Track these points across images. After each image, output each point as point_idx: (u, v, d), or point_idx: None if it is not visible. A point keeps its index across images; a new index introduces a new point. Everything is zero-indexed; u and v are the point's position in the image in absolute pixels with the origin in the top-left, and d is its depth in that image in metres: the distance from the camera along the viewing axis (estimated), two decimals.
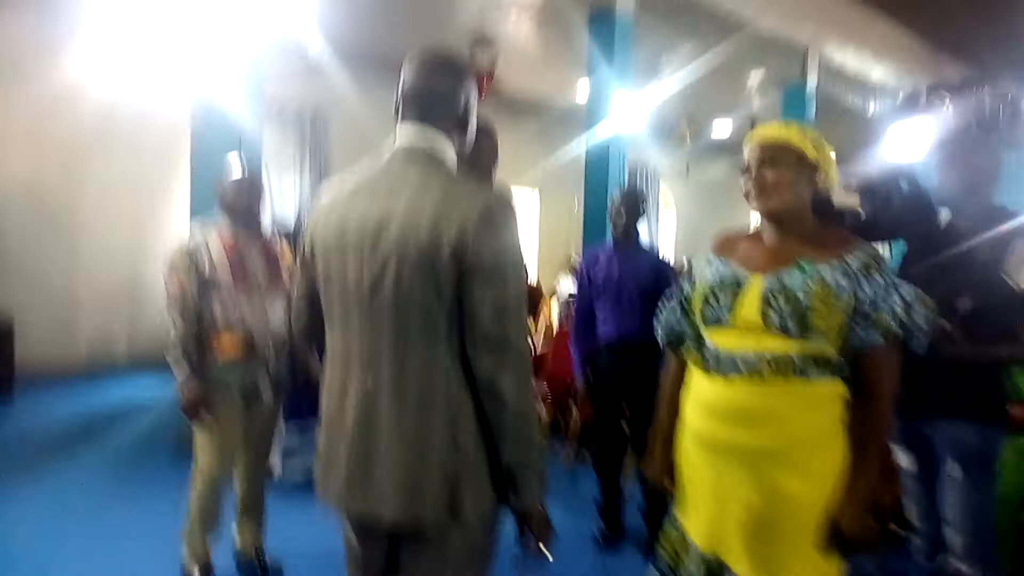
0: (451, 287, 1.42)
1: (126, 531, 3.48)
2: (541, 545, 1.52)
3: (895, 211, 2.41)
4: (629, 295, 3.49)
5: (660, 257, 3.66)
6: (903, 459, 2.41)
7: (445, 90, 1.55)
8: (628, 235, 3.56)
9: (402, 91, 1.56)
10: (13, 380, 5.88)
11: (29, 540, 3.31)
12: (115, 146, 7.13)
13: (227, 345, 2.81)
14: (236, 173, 2.93)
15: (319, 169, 8.58)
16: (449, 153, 1.56)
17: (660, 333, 2.00)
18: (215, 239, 2.85)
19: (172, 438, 4.58)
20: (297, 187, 8.48)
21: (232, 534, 3.10)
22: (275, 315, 2.92)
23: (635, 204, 3.56)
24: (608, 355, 3.54)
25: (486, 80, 7.88)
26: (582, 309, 3.66)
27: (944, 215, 2.33)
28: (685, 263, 10.21)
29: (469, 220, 1.40)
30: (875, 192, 2.50)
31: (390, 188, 1.49)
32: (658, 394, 2.02)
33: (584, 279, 3.65)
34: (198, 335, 2.78)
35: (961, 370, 2.17)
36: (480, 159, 2.73)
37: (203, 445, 2.86)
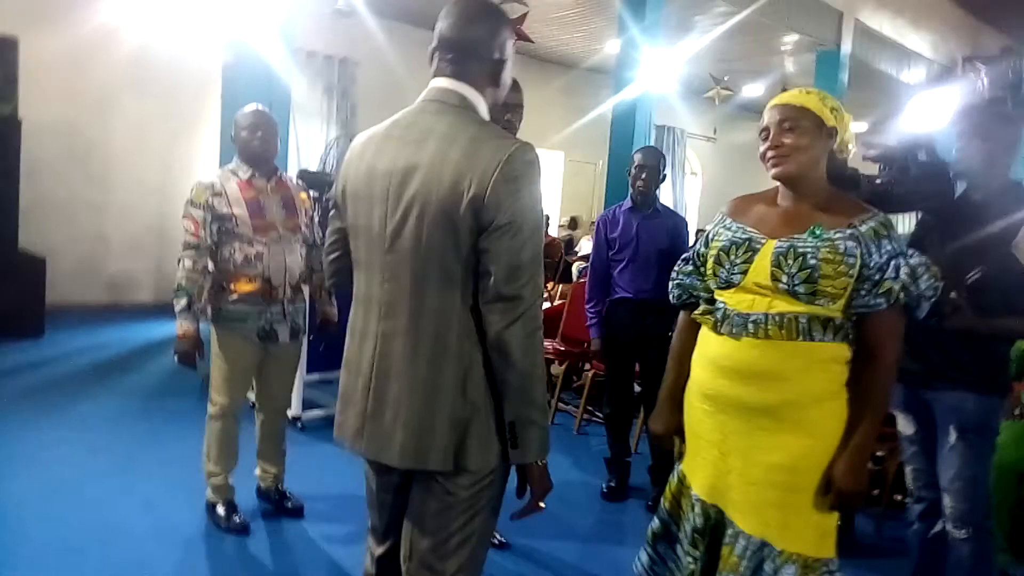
0: (468, 240, 1.42)
1: (152, 467, 3.58)
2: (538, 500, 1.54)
3: (910, 181, 2.41)
4: (646, 255, 3.52)
5: (679, 217, 3.68)
6: (904, 426, 2.45)
7: (477, 41, 1.52)
8: (646, 195, 3.58)
9: (436, 40, 1.55)
10: (44, 317, 6.01)
11: (56, 474, 3.40)
12: (147, 90, 7.20)
13: (243, 285, 2.86)
14: (249, 116, 2.95)
15: (346, 117, 8.60)
16: (481, 104, 1.54)
17: (673, 292, 2.04)
18: (232, 181, 2.89)
19: (197, 376, 4.72)
20: (324, 134, 8.51)
21: (256, 473, 3.21)
22: (292, 258, 2.97)
23: (655, 164, 3.57)
24: (623, 313, 3.59)
25: (515, 35, 7.81)
26: (597, 267, 3.70)
27: (960, 187, 2.34)
28: (708, 227, 10.16)
29: (489, 173, 1.39)
30: (892, 161, 2.50)
31: (419, 137, 1.49)
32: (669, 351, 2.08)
33: (601, 237, 3.68)
34: (212, 275, 2.84)
35: (965, 340, 2.19)
36: (504, 115, 2.77)
37: (216, 381, 2.94)
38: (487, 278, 1.41)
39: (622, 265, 3.58)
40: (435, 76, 1.55)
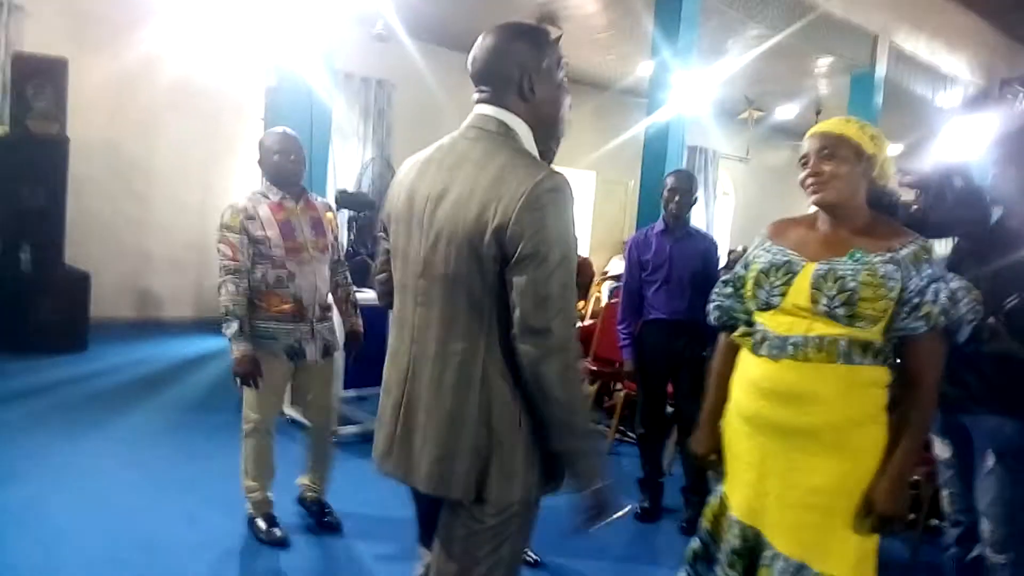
0: (494, 269, 1.41)
1: (193, 480, 3.64)
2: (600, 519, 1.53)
3: (946, 208, 2.42)
4: (679, 276, 3.54)
5: (710, 240, 3.71)
6: (941, 450, 2.45)
7: (506, 66, 1.50)
8: (679, 217, 3.61)
9: (470, 68, 1.56)
10: (88, 332, 6.15)
11: (99, 488, 3.46)
12: (189, 112, 7.39)
13: (274, 305, 2.92)
14: (274, 140, 2.99)
15: (382, 138, 8.73)
16: (521, 128, 1.52)
17: (713, 314, 2.07)
18: (264, 204, 2.94)
19: (236, 392, 4.80)
20: (360, 155, 8.65)
21: (300, 482, 3.26)
22: (321, 278, 3.02)
23: (688, 186, 3.60)
24: (656, 335, 3.61)
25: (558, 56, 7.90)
26: (630, 288, 3.72)
27: (996, 213, 2.34)
28: (740, 248, 10.11)
29: (514, 203, 1.37)
30: (928, 187, 2.51)
31: (454, 163, 1.50)
32: (706, 374, 2.10)
33: (634, 258, 3.70)
34: (248, 296, 2.88)
35: (1003, 364, 2.19)
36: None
37: (248, 398, 2.99)
38: (516, 309, 1.40)
39: (656, 287, 3.60)
40: (476, 103, 1.55)
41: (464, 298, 1.46)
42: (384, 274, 1.76)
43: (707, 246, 3.64)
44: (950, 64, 9.82)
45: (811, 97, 10.65)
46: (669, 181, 3.62)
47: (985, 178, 2.36)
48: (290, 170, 2.98)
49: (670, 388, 3.74)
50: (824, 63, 8.74)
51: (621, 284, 3.91)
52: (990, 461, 2.24)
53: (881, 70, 8.78)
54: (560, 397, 1.42)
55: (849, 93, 8.98)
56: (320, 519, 3.20)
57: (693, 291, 3.47)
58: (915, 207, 2.54)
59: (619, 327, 3.78)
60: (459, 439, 1.47)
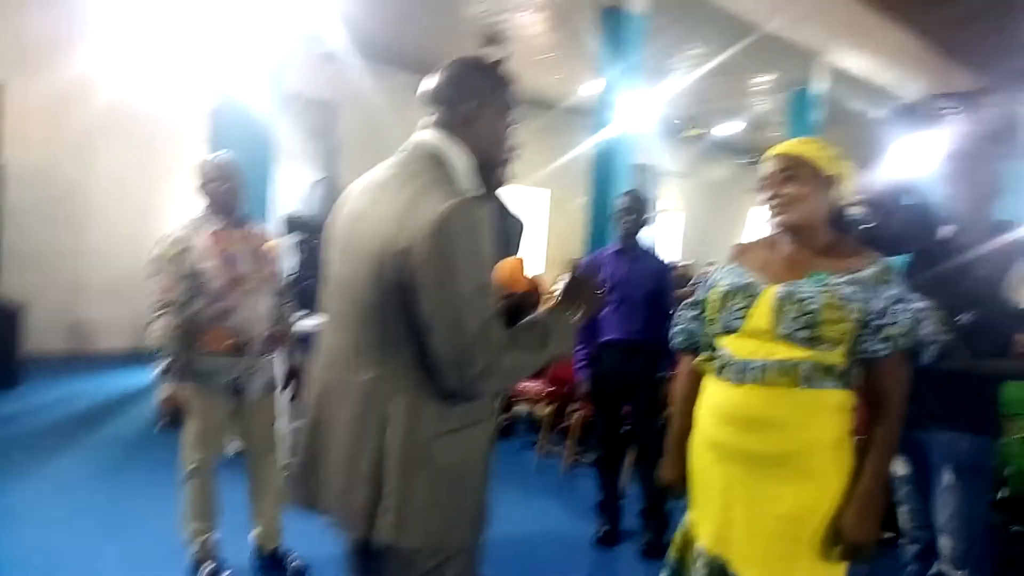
0: (404, 297, 1.38)
1: (134, 523, 3.47)
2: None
3: (895, 225, 2.44)
4: (633, 297, 3.52)
5: (662, 260, 3.70)
6: (899, 466, 2.45)
7: (456, 93, 1.54)
8: (632, 237, 3.60)
9: (419, 95, 1.59)
10: (19, 366, 5.88)
11: (35, 531, 3.29)
12: (128, 137, 7.18)
13: (213, 340, 2.78)
14: (213, 167, 2.86)
15: (327, 159, 8.61)
16: (454, 153, 1.52)
17: (677, 338, 2.04)
18: (202, 234, 2.80)
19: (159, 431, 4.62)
20: (305, 176, 8.51)
21: (252, 534, 3.09)
22: (263, 311, 2.89)
23: (640, 207, 3.60)
24: (612, 357, 3.58)
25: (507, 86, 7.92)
26: None
27: (946, 229, 2.37)
28: (698, 268, 10.17)
29: (421, 229, 1.34)
30: (877, 205, 2.53)
31: (377, 186, 1.51)
32: (661, 395, 2.06)
33: None
34: (184, 330, 2.74)
35: (959, 381, 2.20)
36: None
37: (188, 437, 2.84)
38: (429, 339, 1.36)
39: (611, 307, 3.57)
40: (419, 127, 1.58)
41: (376, 325, 1.44)
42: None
43: (661, 267, 3.63)
44: (886, 79, 10.13)
45: (752, 115, 10.90)
46: (622, 201, 3.61)
47: (933, 194, 2.38)
48: (230, 198, 2.85)
49: (626, 409, 3.71)
50: (763, 81, 8.94)
51: None
52: (947, 477, 2.25)
53: (819, 87, 9.00)
54: (518, 374, 1.45)
55: (788, 110, 9.20)
56: (284, 568, 3.03)
57: (647, 311, 3.46)
58: (863, 225, 2.56)
59: (575, 349, 3.73)
60: (357, 470, 1.44)
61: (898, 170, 2.65)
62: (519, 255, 2.60)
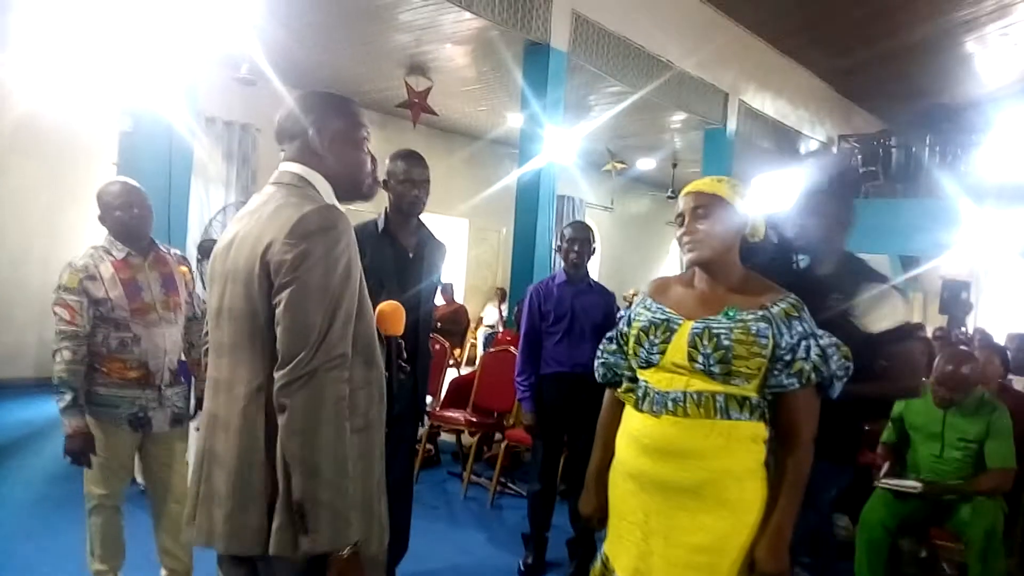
0: (266, 304, 1.42)
1: (39, 561, 3.30)
2: None
3: (765, 258, 2.53)
4: (580, 328, 3.51)
5: (609, 294, 3.70)
6: None
7: (297, 127, 1.59)
8: (579, 269, 3.59)
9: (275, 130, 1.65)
10: None
11: None
12: (34, 156, 6.87)
13: (117, 372, 2.67)
14: (113, 195, 2.72)
15: (246, 183, 8.45)
16: (318, 181, 1.57)
17: (599, 371, 2.08)
18: (106, 261, 2.68)
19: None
20: (224, 200, 8.32)
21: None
22: (171, 341, 2.79)
23: (586, 236, 3.59)
24: (555, 390, 3.54)
25: (418, 107, 7.94)
26: (530, 338, 3.62)
27: (802, 262, 2.51)
28: (626, 297, 10.33)
29: (281, 233, 1.41)
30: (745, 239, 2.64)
31: (247, 212, 1.56)
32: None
33: (534, 306, 3.61)
34: (88, 362, 2.62)
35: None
36: (412, 191, 2.79)
37: (90, 472, 2.69)
38: (278, 342, 1.40)
39: (557, 338, 3.54)
40: (281, 161, 1.63)
41: (246, 337, 1.46)
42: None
43: (608, 300, 3.63)
44: (793, 120, 10.63)
45: (669, 151, 11.25)
46: (567, 232, 3.59)
47: (791, 229, 2.51)
48: (134, 225, 2.72)
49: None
50: (679, 119, 9.26)
51: (521, 332, 3.77)
52: None
53: (732, 125, 9.38)
54: (304, 430, 1.34)
55: (704, 147, 9.53)
56: None
57: (594, 343, 3.43)
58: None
59: (518, 379, 3.64)
60: (249, 487, 1.42)
61: (768, 205, 2.78)
62: (407, 295, 2.63)
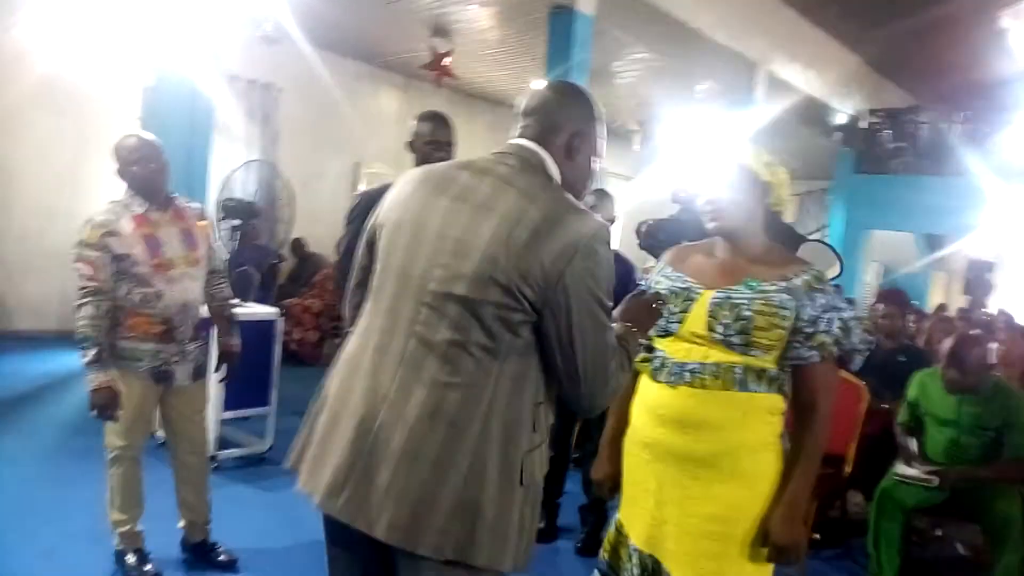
0: (526, 310, 1.35)
1: (55, 511, 3.35)
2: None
3: (665, 232, 2.45)
4: None
5: (629, 262, 3.64)
6: None
7: (558, 115, 1.51)
8: None
9: (521, 108, 1.55)
10: None
11: None
12: (58, 111, 6.87)
13: (139, 326, 2.68)
14: (130, 149, 2.70)
15: (267, 142, 8.44)
16: (556, 173, 1.49)
17: None
18: (126, 217, 2.67)
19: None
20: (245, 158, 8.32)
21: (179, 525, 3.01)
22: (193, 295, 2.80)
23: (609, 207, 3.55)
24: None
25: (441, 70, 7.88)
26: None
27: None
28: (645, 269, 10.26)
29: (568, 252, 1.34)
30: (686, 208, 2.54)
31: (494, 185, 1.42)
32: None
33: None
34: (111, 317, 2.63)
35: None
36: (436, 152, 2.73)
37: (112, 423, 2.70)
38: (570, 365, 1.38)
39: None
40: (519, 136, 1.52)
41: (481, 334, 1.35)
42: (362, 291, 1.59)
43: (626, 268, 3.59)
44: (821, 92, 10.43)
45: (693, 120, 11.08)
46: (589, 200, 3.56)
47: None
48: (152, 179, 2.71)
49: None
50: (706, 88, 9.11)
51: None
52: None
53: (758, 95, 9.22)
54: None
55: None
56: (211, 560, 2.96)
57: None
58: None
59: None
60: (442, 487, 1.32)
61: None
62: None
